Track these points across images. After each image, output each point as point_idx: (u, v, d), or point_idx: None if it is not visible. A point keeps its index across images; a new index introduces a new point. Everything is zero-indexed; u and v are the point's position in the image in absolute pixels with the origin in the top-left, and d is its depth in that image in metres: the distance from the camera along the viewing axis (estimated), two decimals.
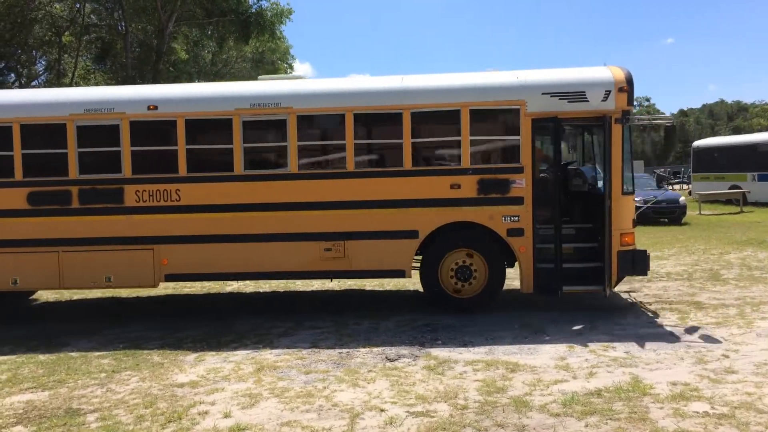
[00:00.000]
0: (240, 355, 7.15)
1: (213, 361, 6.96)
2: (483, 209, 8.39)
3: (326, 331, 8.07)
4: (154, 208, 8.65)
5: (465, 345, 7.21)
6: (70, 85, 31.65)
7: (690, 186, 33.46)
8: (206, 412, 5.44)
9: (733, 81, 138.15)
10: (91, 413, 5.54)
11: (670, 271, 11.64)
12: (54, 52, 34.04)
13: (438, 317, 8.56)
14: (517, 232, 8.38)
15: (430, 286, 8.73)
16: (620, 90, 8.20)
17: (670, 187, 38.66)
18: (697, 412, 5.09)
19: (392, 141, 8.51)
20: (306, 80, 9.22)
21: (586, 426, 4.88)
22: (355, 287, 11.10)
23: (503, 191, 8.37)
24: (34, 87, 32.21)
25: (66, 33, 33.49)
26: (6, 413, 5.62)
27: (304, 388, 5.94)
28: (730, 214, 23.77)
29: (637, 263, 8.32)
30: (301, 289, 11.12)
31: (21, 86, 31.95)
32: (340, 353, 7.06)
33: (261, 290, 11.15)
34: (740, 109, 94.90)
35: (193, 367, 6.74)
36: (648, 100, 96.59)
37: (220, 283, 11.61)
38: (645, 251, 8.44)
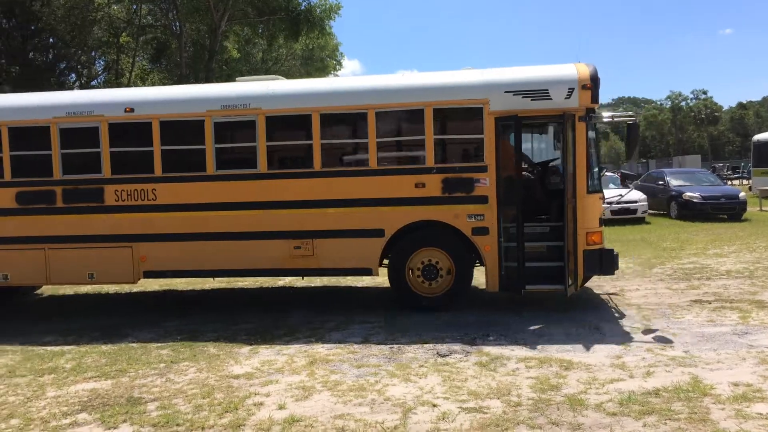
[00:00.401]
0: (293, 348, 7.26)
1: (267, 353, 7.08)
2: (448, 208, 8.37)
3: (377, 325, 8.11)
4: (132, 207, 8.92)
5: (517, 342, 7.15)
6: (128, 84, 32.59)
7: (750, 181, 32.29)
8: (261, 404, 5.55)
9: None
10: (151, 402, 5.71)
11: (730, 269, 11.28)
12: (112, 53, 35.10)
13: (489, 314, 8.51)
14: (482, 231, 8.34)
15: (396, 284, 8.76)
16: (584, 87, 8.07)
17: (729, 183, 37.42)
18: (761, 414, 4.93)
19: (358, 140, 8.62)
20: (278, 81, 9.30)
21: (644, 426, 4.79)
22: None
23: (467, 190, 8.33)
24: (93, 87, 33.27)
25: (123, 34, 34.48)
26: (71, 401, 5.84)
27: (356, 382, 6.00)
28: None
29: (605, 262, 8.21)
30: (352, 285, 11.20)
31: (81, 86, 33.04)
32: (391, 348, 7.09)
33: (313, 285, 11.27)
34: None
35: (248, 359, 6.88)
36: (705, 92, 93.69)
37: (270, 279, 11.79)
38: (612, 250, 8.35)
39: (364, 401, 5.50)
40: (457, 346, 7.03)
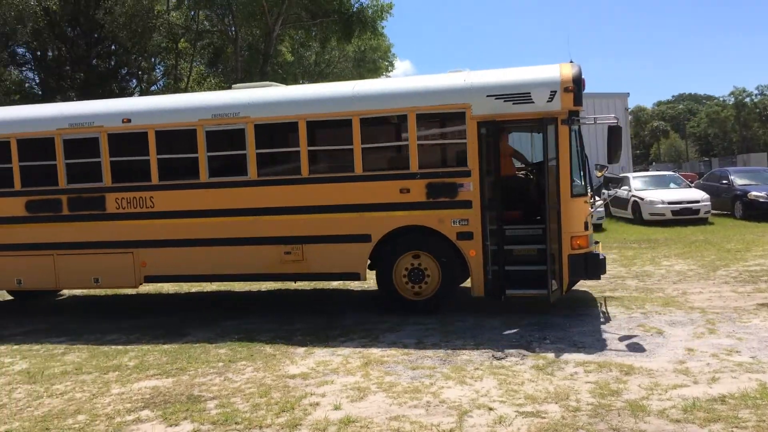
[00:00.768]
0: (347, 349, 7.30)
1: (322, 354, 7.14)
2: (432, 213, 8.36)
3: (431, 327, 8.08)
4: (132, 214, 9.21)
5: (575, 345, 7.01)
6: (186, 89, 33.43)
7: None
8: (317, 404, 5.59)
9: None
10: (210, 400, 5.83)
11: None
12: (171, 58, 36.09)
13: (546, 316, 8.38)
14: (467, 236, 8.28)
15: (384, 288, 8.78)
16: (566, 90, 7.91)
17: None
18: None
19: (344, 147, 8.61)
20: (269, 88, 9.40)
21: None
22: None
23: (451, 195, 8.30)
24: (153, 92, 34.27)
25: (182, 40, 35.42)
26: (134, 398, 6.02)
27: (411, 384, 5.98)
28: None
29: (590, 267, 8.09)
30: None
31: (142, 92, 34.08)
32: (445, 350, 7.05)
33: (367, 287, 11.31)
34: None
35: (304, 360, 6.95)
36: None
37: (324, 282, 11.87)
38: (598, 254, 8.19)
39: (419, 403, 5.49)
40: (512, 349, 6.94)
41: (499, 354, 6.78)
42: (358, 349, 7.24)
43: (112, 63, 34.16)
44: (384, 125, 8.68)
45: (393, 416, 5.22)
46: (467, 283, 8.84)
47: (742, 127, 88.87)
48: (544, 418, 5.04)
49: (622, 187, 20.98)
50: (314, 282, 11.88)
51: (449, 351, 7.00)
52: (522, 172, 9.90)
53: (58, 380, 6.67)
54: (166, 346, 7.80)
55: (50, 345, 8.16)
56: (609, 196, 8.35)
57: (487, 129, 8.17)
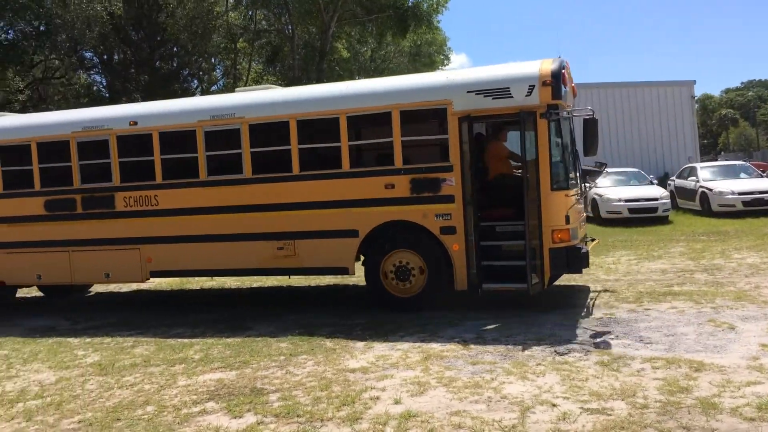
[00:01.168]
0: (406, 343, 7.28)
1: (381, 348, 7.15)
2: (416, 208, 8.47)
3: (490, 322, 7.99)
4: (139, 212, 9.65)
5: (641, 341, 6.80)
6: None
7: None
8: (377, 398, 5.60)
9: None
10: (273, 393, 5.92)
11: None
12: (230, 59, 36.83)
13: (610, 311, 8.16)
14: (450, 230, 8.37)
15: (371, 283, 8.87)
16: (544, 84, 7.94)
17: None
18: None
19: (332, 144, 8.79)
20: (265, 90, 9.73)
21: None
22: None
23: (434, 190, 8.39)
24: (213, 92, 35.07)
25: (240, 39, 36.09)
26: (200, 390, 6.17)
27: (471, 379, 5.93)
28: None
29: (572, 260, 8.06)
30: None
31: (203, 92, 34.94)
32: (506, 345, 6.96)
33: None
34: None
35: (363, 354, 6.97)
36: None
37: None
38: (580, 248, 8.17)
39: (480, 399, 5.43)
40: (575, 345, 6.79)
41: (561, 349, 6.64)
42: (417, 344, 7.22)
43: (174, 65, 35.13)
44: (370, 123, 8.81)
45: (454, 411, 5.18)
46: None
47: None
48: (610, 415, 4.90)
49: (689, 178, 20.26)
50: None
51: (510, 346, 6.91)
52: (520, 170, 9.77)
53: (128, 372, 6.90)
54: (229, 340, 7.96)
55: (120, 338, 8.46)
56: (588, 188, 8.31)
57: (469, 124, 8.29)
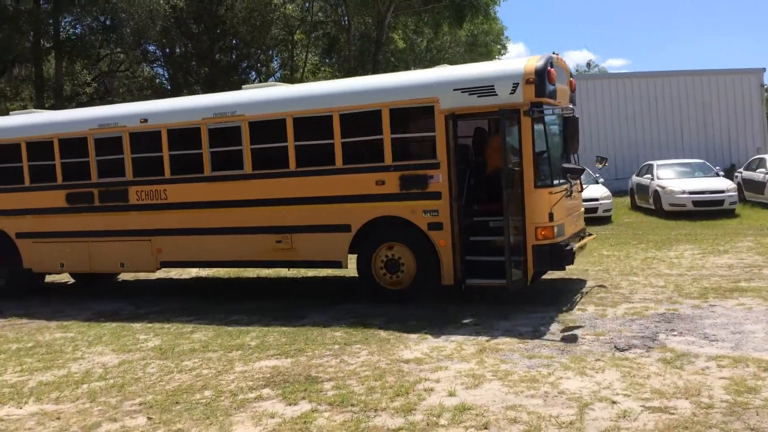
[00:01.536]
0: (461, 335, 7.21)
1: (435, 340, 7.11)
2: (405, 204, 8.61)
3: (547, 316, 7.84)
4: (149, 205, 10.11)
5: (706, 338, 6.55)
6: (301, 80, 34.41)
7: None
8: (431, 389, 5.56)
9: None
10: (327, 381, 5.95)
11: None
12: (287, 50, 37.24)
13: (673, 306, 7.89)
14: (437, 226, 8.47)
15: (363, 276, 9.03)
16: (528, 82, 7.95)
17: None
18: None
19: (326, 141, 8.99)
20: (266, 89, 10.07)
21: None
22: (576, 276, 10.64)
23: (422, 186, 8.50)
24: (271, 83, 35.55)
25: (297, 31, 36.42)
26: (256, 376, 6.26)
27: (527, 373, 5.82)
28: None
29: (555, 257, 8.07)
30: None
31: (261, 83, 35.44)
32: (563, 339, 6.81)
33: None
34: None
35: (417, 345, 6.94)
36: None
37: None
38: (562, 246, 8.14)
39: (537, 393, 5.32)
40: (636, 341, 6.58)
41: (621, 345, 6.46)
42: (471, 336, 7.14)
43: (233, 57, 35.76)
44: (361, 120, 8.92)
45: (509, 405, 5.10)
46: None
47: None
48: (673, 414, 4.73)
49: (758, 170, 19.41)
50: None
51: (567, 340, 6.75)
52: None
53: (187, 357, 7.06)
54: (284, 328, 8.05)
55: (180, 324, 8.67)
56: (572, 185, 8.32)
57: (455, 122, 8.39)
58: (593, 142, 24.49)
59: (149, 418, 5.37)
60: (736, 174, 21.23)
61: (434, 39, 41.72)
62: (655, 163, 19.59)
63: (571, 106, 8.28)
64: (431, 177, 8.46)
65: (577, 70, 74.71)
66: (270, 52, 38.39)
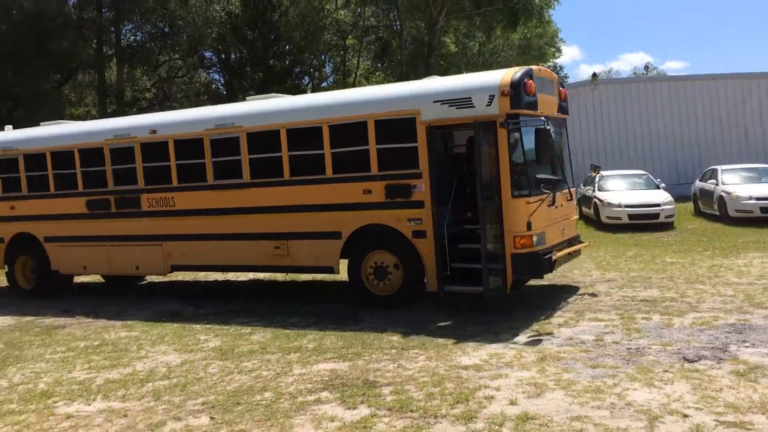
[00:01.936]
0: (520, 342, 7.09)
1: (494, 346, 7.00)
2: (391, 213, 8.86)
3: (611, 324, 7.63)
4: (159, 212, 10.63)
5: None
6: (353, 84, 34.64)
7: None
8: (492, 397, 5.47)
9: None
10: (385, 386, 5.92)
11: None
12: (339, 55, 37.54)
13: (744, 316, 7.58)
14: (420, 234, 8.69)
15: (353, 282, 9.30)
16: (503, 94, 8.13)
17: None
18: None
19: (317, 151, 9.30)
20: (263, 100, 10.40)
21: None
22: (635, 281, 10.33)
23: (406, 196, 8.74)
24: (323, 88, 35.88)
25: (349, 36, 36.67)
26: (314, 379, 6.28)
27: (592, 383, 5.67)
28: None
29: (533, 266, 8.26)
30: (579, 280, 10.69)
31: (313, 88, 35.83)
32: (628, 349, 6.61)
33: (543, 282, 10.95)
34: None
35: (476, 351, 6.85)
36: None
37: None
38: (541, 254, 8.28)
39: (603, 404, 5.17)
40: (706, 352, 6.34)
41: (691, 356, 6.22)
42: (531, 344, 7.00)
43: (287, 62, 36.23)
44: (349, 131, 9.17)
45: (574, 416, 4.96)
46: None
47: None
48: (749, 429, 4.53)
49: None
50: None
51: (632, 350, 6.55)
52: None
53: (246, 358, 7.14)
54: (341, 331, 8.06)
55: (238, 325, 8.78)
56: (547, 195, 8.34)
57: (445, 132, 8.67)
58: (654, 146, 23.94)
59: (212, 418, 5.44)
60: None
61: (486, 42, 41.42)
62: (719, 167, 18.95)
63: (542, 118, 8.30)
64: (414, 186, 8.70)
65: (634, 73, 72.99)
66: (322, 57, 38.77)
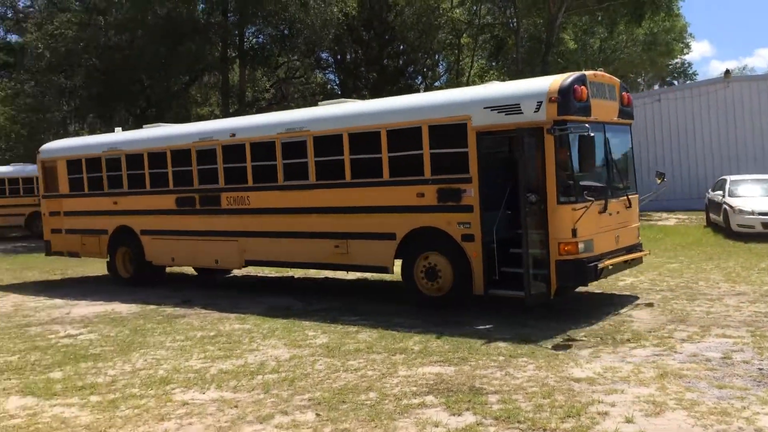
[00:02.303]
0: (639, 356, 6.68)
1: (610, 359, 6.64)
2: (442, 216, 9.07)
3: (740, 341, 7.04)
4: (236, 210, 11.32)
5: None
6: (467, 83, 34.33)
7: None
8: (606, 413, 5.18)
9: None
10: (492, 394, 5.76)
11: None
12: (453, 54, 37.32)
13: None
14: (469, 238, 8.83)
15: (407, 282, 9.58)
16: (551, 101, 8.16)
17: None
18: None
19: (376, 156, 9.63)
20: (331, 106, 10.85)
21: None
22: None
23: (456, 200, 8.93)
24: (436, 88, 35.82)
25: (464, 35, 36.37)
26: (419, 382, 6.21)
27: (717, 405, 5.24)
28: None
29: (578, 273, 8.26)
30: (707, 292, 9.97)
31: (427, 88, 35.84)
32: (760, 369, 6.07)
33: (659, 286, 10.34)
34: None
35: (589, 363, 6.53)
36: None
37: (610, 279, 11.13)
38: (585, 261, 8.22)
39: (729, 429, 4.77)
40: None
41: None
42: (651, 358, 6.59)
43: (401, 62, 36.48)
44: (405, 136, 9.43)
45: None
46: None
47: None
48: None
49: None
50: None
51: (765, 371, 6.01)
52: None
53: (352, 356, 7.19)
54: (447, 335, 7.94)
55: (345, 324, 8.88)
56: (591, 202, 7.76)
57: (485, 138, 8.76)
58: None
59: (318, 415, 5.51)
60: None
61: (608, 39, 39.74)
62: (728, 177, 17.60)
63: (586, 125, 7.99)
64: (464, 191, 8.87)
65: None
66: (436, 57, 38.70)
